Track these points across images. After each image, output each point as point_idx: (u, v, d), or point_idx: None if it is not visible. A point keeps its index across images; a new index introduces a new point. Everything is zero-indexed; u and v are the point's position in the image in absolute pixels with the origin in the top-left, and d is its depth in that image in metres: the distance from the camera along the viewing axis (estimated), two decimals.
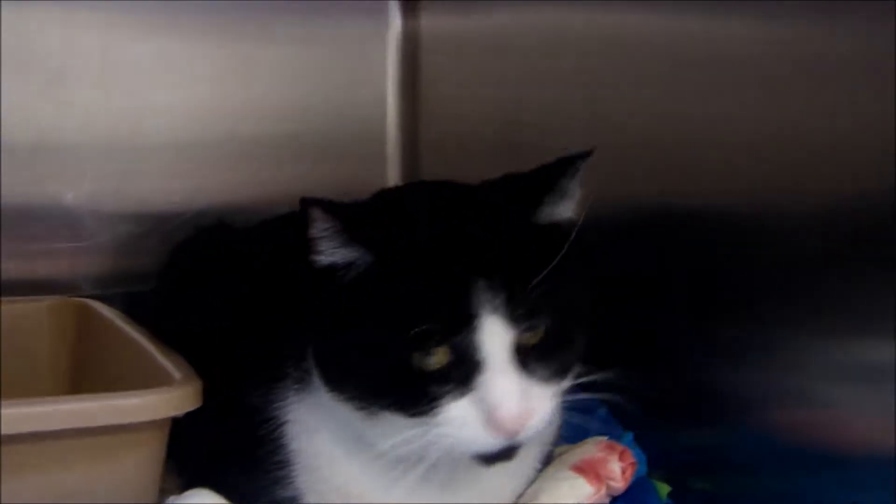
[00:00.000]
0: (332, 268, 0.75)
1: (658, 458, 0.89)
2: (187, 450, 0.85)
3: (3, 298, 1.11)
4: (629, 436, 0.87)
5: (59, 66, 1.22)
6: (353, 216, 0.75)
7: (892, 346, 0.72)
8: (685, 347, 0.96)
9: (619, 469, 0.83)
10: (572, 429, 0.87)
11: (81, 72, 1.23)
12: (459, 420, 0.71)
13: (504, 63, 1.25)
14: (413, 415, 0.72)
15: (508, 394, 0.70)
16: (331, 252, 0.75)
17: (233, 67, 1.33)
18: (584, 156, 0.77)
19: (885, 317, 0.72)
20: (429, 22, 1.44)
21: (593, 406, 0.85)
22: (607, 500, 0.84)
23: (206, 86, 1.33)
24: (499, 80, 1.25)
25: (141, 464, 0.79)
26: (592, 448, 0.86)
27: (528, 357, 0.73)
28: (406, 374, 0.71)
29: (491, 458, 0.74)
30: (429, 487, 0.79)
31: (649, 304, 1.00)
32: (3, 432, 0.70)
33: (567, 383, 0.76)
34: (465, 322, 0.70)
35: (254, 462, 0.83)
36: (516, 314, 0.71)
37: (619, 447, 0.85)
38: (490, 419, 0.70)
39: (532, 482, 0.85)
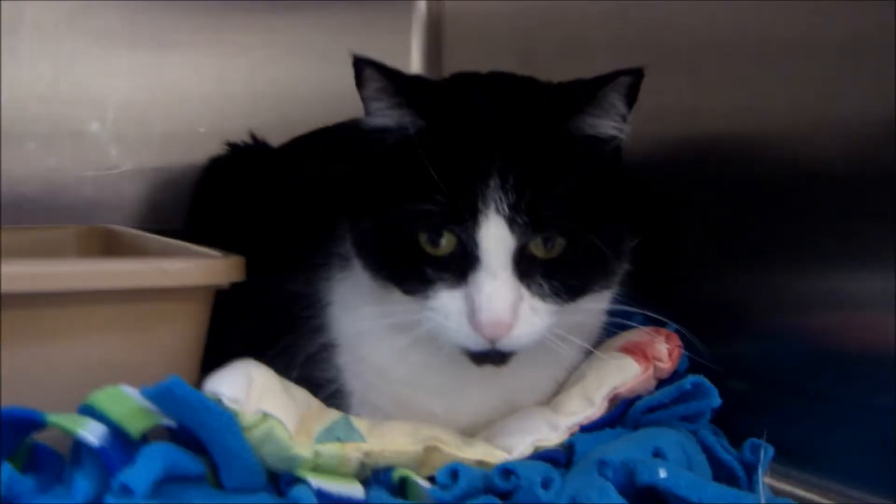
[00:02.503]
0: (377, 130, 0.76)
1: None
2: (232, 344, 0.83)
3: (32, 226, 1.11)
4: (672, 325, 0.86)
5: None
6: (403, 80, 0.76)
7: None
8: (717, 263, 0.95)
9: (665, 350, 0.83)
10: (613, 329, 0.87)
11: None
12: (445, 309, 0.73)
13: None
14: (409, 293, 0.74)
15: (495, 298, 0.71)
16: (379, 113, 0.76)
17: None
18: (633, 72, 0.75)
19: None
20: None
21: (630, 313, 0.84)
22: (654, 384, 0.82)
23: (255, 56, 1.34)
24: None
25: (183, 335, 0.78)
26: (638, 332, 0.84)
27: (534, 269, 0.73)
28: (413, 253, 0.73)
29: (478, 358, 0.75)
30: (454, 373, 0.80)
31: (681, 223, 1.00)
32: (51, 288, 0.69)
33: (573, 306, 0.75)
34: (467, 214, 0.71)
35: (298, 342, 0.83)
36: (522, 221, 0.71)
37: (665, 331, 0.84)
38: (471, 317, 0.71)
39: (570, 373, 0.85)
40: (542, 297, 0.73)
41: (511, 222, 0.71)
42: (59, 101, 1.19)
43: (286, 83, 1.29)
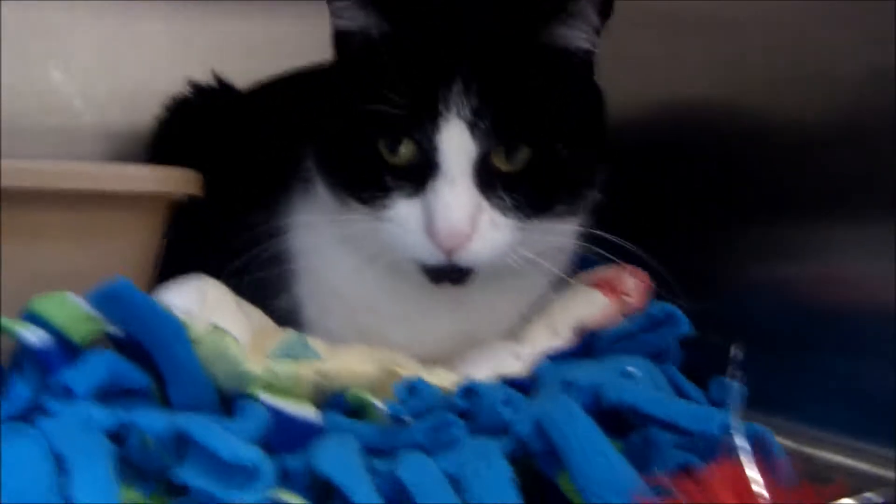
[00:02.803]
0: (340, 34, 0.75)
1: None
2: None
3: None
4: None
5: None
6: None
7: None
8: (698, 215, 0.93)
9: (634, 285, 0.80)
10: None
11: None
12: (402, 219, 0.71)
13: None
14: (367, 203, 0.72)
15: (452, 205, 0.69)
16: (343, 13, 0.74)
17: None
18: None
19: None
20: None
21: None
22: (621, 318, 0.79)
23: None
24: None
25: (139, 246, 0.76)
26: (607, 268, 0.82)
27: (496, 181, 0.71)
28: (372, 161, 0.71)
29: (436, 275, 0.73)
30: (414, 299, 0.78)
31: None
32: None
33: (545, 222, 0.73)
34: (427, 118, 0.69)
35: (255, 268, 0.79)
36: (484, 127, 0.69)
37: (633, 267, 0.82)
38: (428, 226, 0.69)
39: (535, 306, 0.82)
40: (504, 210, 0.70)
41: (472, 127, 0.69)
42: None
43: (258, 38, 1.26)
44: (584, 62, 0.75)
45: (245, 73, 1.06)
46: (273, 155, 0.85)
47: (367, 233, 0.72)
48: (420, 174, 0.70)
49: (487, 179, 0.70)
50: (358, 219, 0.73)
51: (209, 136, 0.95)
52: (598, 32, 0.74)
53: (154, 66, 1.18)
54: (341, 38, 0.75)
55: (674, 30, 0.97)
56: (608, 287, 0.79)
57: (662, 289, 0.79)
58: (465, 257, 0.70)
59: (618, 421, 0.66)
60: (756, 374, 0.69)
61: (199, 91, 1.01)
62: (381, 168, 0.71)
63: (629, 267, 0.81)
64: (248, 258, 0.77)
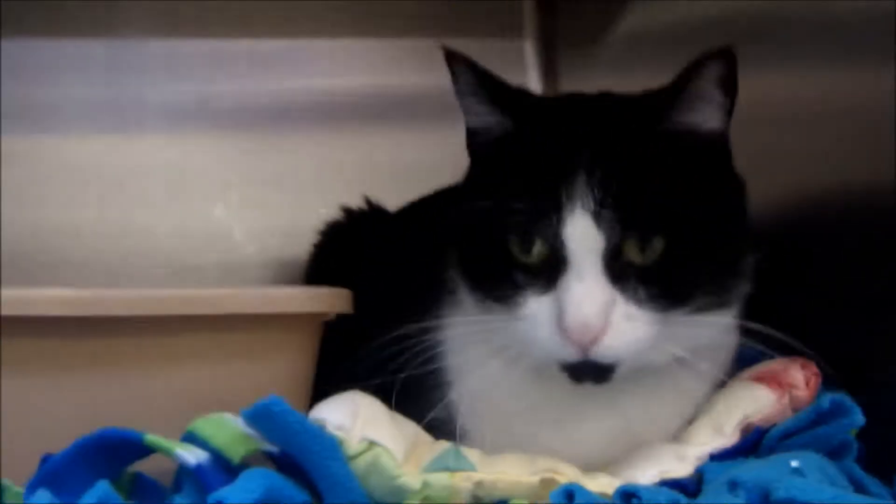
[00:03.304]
0: (471, 131, 0.76)
1: None
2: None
3: None
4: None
5: None
6: (490, 76, 0.75)
7: None
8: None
9: (801, 377, 0.76)
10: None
11: None
12: (534, 317, 0.69)
13: None
14: (498, 300, 0.71)
15: (581, 300, 0.67)
16: (468, 111, 0.75)
17: None
18: (723, 54, 0.71)
19: None
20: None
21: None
22: (790, 414, 0.75)
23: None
24: None
25: (290, 366, 0.77)
26: (772, 361, 0.78)
27: (629, 274, 0.68)
28: (504, 261, 0.71)
29: (576, 374, 0.70)
30: (569, 403, 0.76)
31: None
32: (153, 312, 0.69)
33: (689, 315, 0.70)
34: (552, 210, 0.68)
35: (414, 384, 0.79)
36: (609, 216, 0.68)
37: (801, 359, 0.78)
38: (561, 321, 0.67)
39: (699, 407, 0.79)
40: (638, 303, 0.68)
41: (597, 217, 0.67)
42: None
43: (407, 160, 1.29)
44: (714, 144, 0.73)
45: (396, 195, 1.08)
46: (420, 266, 0.85)
47: (506, 333, 0.72)
48: (551, 271, 0.69)
49: (620, 272, 0.68)
50: (495, 319, 0.72)
51: (361, 256, 0.97)
52: (725, 109, 0.73)
53: (307, 194, 1.21)
54: (470, 137, 0.77)
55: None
56: (774, 381, 0.75)
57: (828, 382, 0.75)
58: (601, 353, 0.67)
59: None
60: None
61: (350, 214, 1.04)
62: (512, 266, 0.70)
63: (797, 359, 0.77)
64: (398, 367, 0.77)
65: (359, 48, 1.33)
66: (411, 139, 1.34)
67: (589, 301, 0.67)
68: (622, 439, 0.76)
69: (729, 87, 0.72)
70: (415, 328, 0.79)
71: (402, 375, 0.79)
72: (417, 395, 0.79)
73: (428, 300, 0.82)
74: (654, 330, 0.69)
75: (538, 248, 0.70)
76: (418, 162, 1.29)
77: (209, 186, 1.25)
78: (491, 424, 0.77)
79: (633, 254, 0.69)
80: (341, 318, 0.88)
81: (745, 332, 0.76)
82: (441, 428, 0.78)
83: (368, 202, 1.07)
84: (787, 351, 0.74)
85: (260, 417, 0.67)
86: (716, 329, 0.74)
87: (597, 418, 0.76)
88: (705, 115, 0.73)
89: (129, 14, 1.23)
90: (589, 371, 0.70)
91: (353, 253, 1.00)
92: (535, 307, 0.70)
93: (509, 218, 0.70)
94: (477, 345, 0.77)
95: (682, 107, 0.72)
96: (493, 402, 0.77)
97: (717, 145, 0.74)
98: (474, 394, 0.77)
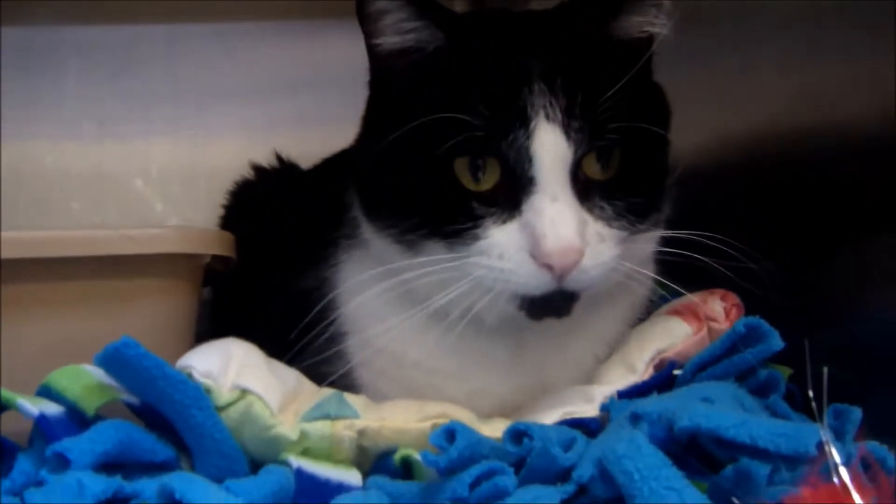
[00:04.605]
0: (388, 55, 0.67)
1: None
2: None
3: None
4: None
5: None
6: None
7: None
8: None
9: (721, 309, 0.69)
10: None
11: None
12: (501, 247, 0.61)
13: None
14: (450, 237, 0.63)
15: (559, 220, 0.60)
16: (395, 30, 0.66)
17: None
18: None
19: None
20: None
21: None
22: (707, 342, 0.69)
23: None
24: None
25: (165, 312, 0.71)
26: (691, 296, 0.71)
27: (592, 191, 0.62)
28: (448, 188, 0.62)
29: (539, 308, 0.63)
30: (477, 352, 0.69)
31: None
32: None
33: (638, 230, 0.65)
34: (515, 123, 0.60)
35: (306, 335, 0.73)
36: (577, 127, 0.61)
37: (721, 290, 0.71)
38: (536, 248, 0.60)
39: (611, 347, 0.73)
40: (607, 220, 0.62)
41: (566, 129, 0.60)
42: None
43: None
44: (649, 49, 0.67)
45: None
46: (322, 218, 0.79)
47: (445, 280, 0.63)
48: (511, 193, 0.62)
49: (583, 191, 0.62)
50: (433, 265, 0.64)
51: (269, 213, 0.91)
52: (667, 14, 0.67)
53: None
54: (388, 60, 0.67)
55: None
56: (690, 313, 0.69)
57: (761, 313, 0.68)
58: (577, 278, 0.61)
59: (708, 459, 0.55)
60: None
61: (260, 172, 0.98)
62: (464, 196, 0.62)
63: (717, 291, 0.70)
64: (295, 321, 0.71)
65: None
66: None
67: (566, 222, 0.60)
68: (532, 387, 0.70)
69: None
70: (309, 280, 0.73)
71: (300, 327, 0.73)
72: (315, 348, 0.72)
73: (327, 251, 0.76)
74: (619, 249, 0.63)
75: (492, 170, 0.62)
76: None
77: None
78: (389, 377, 0.71)
79: (592, 169, 0.63)
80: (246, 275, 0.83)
81: (674, 243, 0.68)
82: (341, 385, 0.71)
83: (279, 158, 1.00)
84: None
85: (113, 362, 0.60)
86: (653, 245, 0.68)
87: (505, 367, 0.70)
88: (653, 20, 0.67)
89: None
90: (556, 302, 0.63)
91: (260, 209, 0.93)
92: (500, 237, 0.62)
93: (455, 138, 0.61)
94: (380, 299, 0.71)
95: (629, 10, 0.66)
96: (392, 354, 0.71)
97: (649, 50, 0.67)
98: (372, 344, 0.71)
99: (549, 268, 0.60)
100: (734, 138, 0.88)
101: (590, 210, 0.62)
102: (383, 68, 0.68)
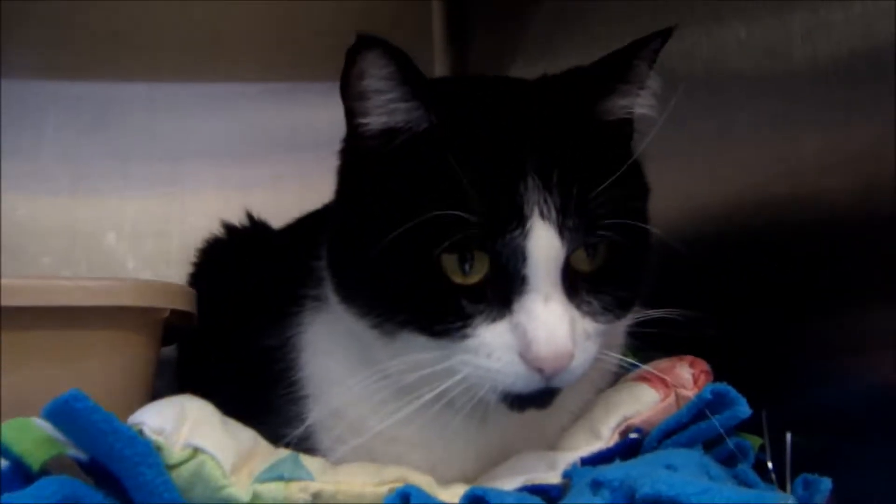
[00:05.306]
0: (375, 135, 0.63)
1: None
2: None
3: None
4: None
5: None
6: (412, 66, 0.62)
7: None
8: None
9: (689, 376, 0.68)
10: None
11: None
12: (490, 346, 0.59)
13: None
14: (437, 335, 0.60)
15: (552, 325, 0.58)
16: (385, 110, 0.62)
17: None
18: (661, 36, 0.64)
19: None
20: None
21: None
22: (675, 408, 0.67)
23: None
24: None
25: (120, 367, 0.68)
26: (659, 362, 0.70)
27: (579, 285, 0.60)
28: (434, 282, 0.59)
29: (523, 402, 0.61)
30: (439, 423, 0.65)
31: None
32: None
33: (620, 322, 0.64)
34: (512, 222, 0.58)
35: (267, 395, 0.72)
36: (571, 226, 0.58)
37: (690, 357, 0.70)
38: (527, 351, 0.58)
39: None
40: (594, 316, 0.60)
41: (560, 228, 0.58)
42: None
43: None
44: (631, 131, 0.66)
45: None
46: (290, 280, 0.77)
47: (427, 376, 0.61)
48: (501, 290, 0.59)
49: (572, 285, 0.60)
50: (406, 354, 0.61)
51: (236, 271, 0.90)
52: (656, 94, 0.65)
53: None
54: (373, 140, 0.63)
55: None
56: (658, 380, 0.67)
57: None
58: (563, 378, 0.59)
59: None
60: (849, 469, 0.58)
61: (230, 230, 0.96)
62: (453, 291, 0.59)
63: (686, 357, 0.69)
64: (257, 381, 0.70)
65: None
66: None
67: (559, 325, 0.58)
68: (496, 457, 0.68)
69: (653, 65, 0.65)
70: (272, 339, 0.72)
71: (261, 390, 0.71)
72: (275, 408, 0.70)
73: (292, 309, 0.74)
74: (601, 340, 0.61)
75: (480, 263, 0.59)
76: None
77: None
78: (348, 442, 0.68)
79: (580, 262, 0.60)
80: (211, 334, 0.81)
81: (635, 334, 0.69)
82: (298, 446, 0.69)
83: (250, 217, 0.99)
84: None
85: (61, 415, 0.58)
86: (626, 325, 0.66)
87: (468, 437, 0.67)
88: (637, 101, 0.65)
89: None
90: (540, 398, 0.61)
91: (230, 268, 0.92)
92: (490, 338, 0.59)
93: (450, 236, 0.58)
94: (338, 358, 0.69)
95: (621, 92, 0.64)
96: (353, 423, 0.68)
97: (632, 131, 0.66)
98: (333, 412, 0.69)
99: (540, 370, 0.58)
100: (707, 205, 0.87)
101: (578, 306, 0.60)
102: (365, 147, 0.64)
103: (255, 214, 0.99)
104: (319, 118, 1.18)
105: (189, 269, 0.98)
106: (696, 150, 0.86)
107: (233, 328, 0.79)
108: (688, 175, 0.87)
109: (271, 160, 1.26)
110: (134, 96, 1.23)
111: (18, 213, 1.14)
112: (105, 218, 1.18)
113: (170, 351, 0.94)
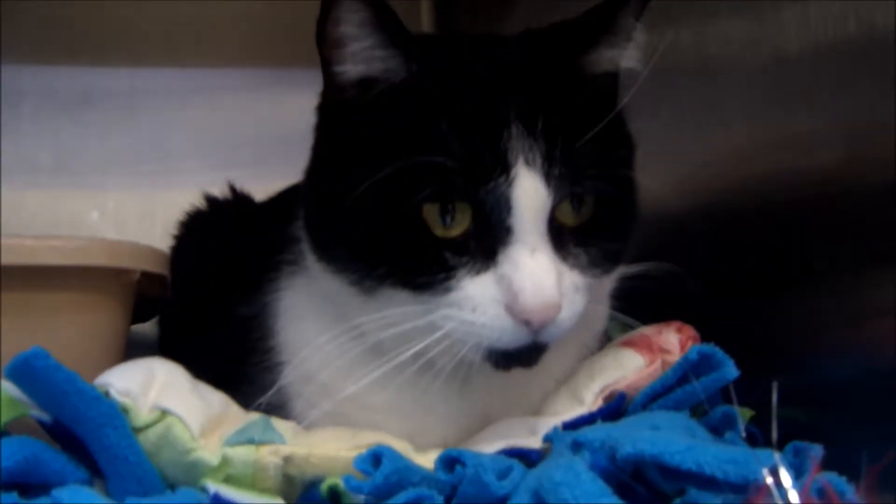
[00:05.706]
0: (351, 84, 0.61)
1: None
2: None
3: None
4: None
5: None
6: (391, 14, 0.60)
7: None
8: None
9: (676, 341, 0.66)
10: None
11: None
12: (475, 299, 0.57)
13: None
14: (418, 288, 0.58)
15: (539, 275, 0.56)
16: (362, 58, 0.60)
17: None
18: None
19: None
20: None
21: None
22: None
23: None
24: None
25: (92, 329, 0.66)
26: (646, 328, 0.68)
27: (565, 238, 0.58)
28: (415, 234, 0.57)
29: (509, 360, 0.59)
30: (417, 389, 0.63)
31: None
32: None
33: (608, 276, 0.62)
34: (496, 169, 0.56)
35: (244, 365, 0.70)
36: (557, 174, 0.57)
37: (678, 322, 0.68)
38: (514, 302, 0.55)
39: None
40: (582, 269, 0.58)
41: (546, 176, 0.56)
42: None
43: None
44: (617, 84, 0.64)
45: None
46: (271, 249, 0.75)
47: (408, 332, 0.59)
48: (485, 242, 0.57)
49: (558, 237, 0.58)
50: (387, 310, 0.59)
51: (217, 242, 0.88)
52: (642, 48, 0.63)
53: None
54: (351, 90, 0.62)
55: None
56: (644, 345, 0.65)
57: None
58: (552, 331, 0.57)
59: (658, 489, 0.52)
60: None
61: (211, 202, 0.95)
62: (435, 244, 0.57)
63: (672, 323, 0.67)
64: (233, 349, 0.68)
65: None
66: None
67: (546, 276, 0.56)
68: (476, 426, 0.66)
69: (640, 17, 0.63)
70: (250, 307, 0.70)
71: (238, 360, 0.69)
72: (251, 376, 0.68)
73: (269, 275, 0.73)
74: (589, 295, 0.59)
75: (462, 215, 0.57)
76: None
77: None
78: (323, 409, 0.66)
79: (566, 215, 0.58)
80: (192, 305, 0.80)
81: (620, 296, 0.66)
82: (271, 411, 0.67)
83: (233, 189, 0.97)
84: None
85: (22, 374, 0.56)
86: (613, 282, 0.65)
87: (448, 404, 0.65)
88: (628, 55, 0.64)
89: None
90: (527, 355, 0.59)
91: (211, 239, 0.90)
92: (473, 289, 0.57)
93: (429, 184, 0.56)
94: (315, 323, 0.67)
95: (607, 44, 0.62)
96: (328, 388, 0.66)
97: (617, 84, 0.64)
98: (308, 377, 0.66)
99: (527, 322, 0.56)
100: (699, 183, 0.85)
101: (564, 259, 0.58)
102: (342, 98, 0.62)
103: (238, 187, 0.96)
104: (304, 103, 1.15)
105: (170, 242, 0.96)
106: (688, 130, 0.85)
107: (212, 300, 0.77)
108: (678, 146, 0.85)
109: (255, 139, 1.23)
110: (116, 77, 1.21)
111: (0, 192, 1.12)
112: (88, 196, 1.16)
113: (152, 329, 0.92)
